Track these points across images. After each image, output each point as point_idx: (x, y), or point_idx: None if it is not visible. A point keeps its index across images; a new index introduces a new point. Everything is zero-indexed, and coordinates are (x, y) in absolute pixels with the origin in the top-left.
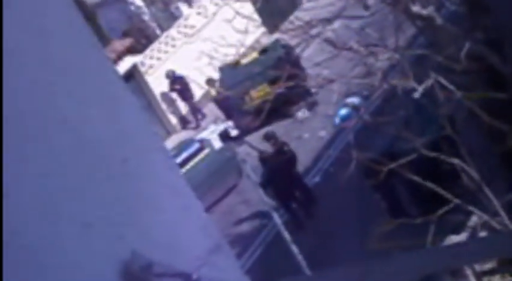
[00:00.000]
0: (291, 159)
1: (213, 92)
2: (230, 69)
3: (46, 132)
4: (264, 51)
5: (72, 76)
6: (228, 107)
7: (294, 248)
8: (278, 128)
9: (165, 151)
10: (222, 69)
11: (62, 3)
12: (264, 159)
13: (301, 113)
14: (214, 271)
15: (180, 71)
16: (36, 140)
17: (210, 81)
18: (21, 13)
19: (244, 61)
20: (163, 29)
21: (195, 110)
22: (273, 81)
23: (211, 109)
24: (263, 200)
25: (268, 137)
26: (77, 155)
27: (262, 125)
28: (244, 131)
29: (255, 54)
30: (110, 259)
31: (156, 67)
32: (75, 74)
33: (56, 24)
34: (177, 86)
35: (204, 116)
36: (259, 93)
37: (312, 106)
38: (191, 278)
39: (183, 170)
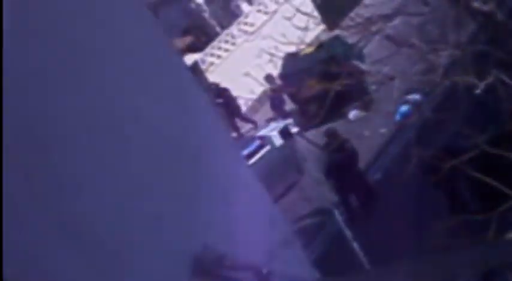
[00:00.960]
0: (352, 156)
1: (272, 88)
2: (291, 59)
3: (120, 128)
4: (320, 46)
5: (145, 73)
6: (282, 102)
7: (355, 245)
8: (339, 125)
9: (235, 146)
10: (284, 59)
11: (134, 3)
12: (327, 153)
13: (353, 114)
14: (284, 264)
15: (240, 69)
16: (110, 136)
17: (268, 78)
18: (97, 13)
19: (306, 51)
20: (223, 27)
21: (246, 120)
22: (326, 77)
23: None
24: (324, 197)
25: (329, 134)
26: (149, 150)
27: (319, 123)
28: (302, 127)
29: (311, 49)
30: (181, 252)
31: (216, 65)
32: (147, 71)
33: (129, 23)
34: (221, 100)
35: (256, 124)
36: (316, 84)
37: (367, 105)
38: (261, 273)
39: None
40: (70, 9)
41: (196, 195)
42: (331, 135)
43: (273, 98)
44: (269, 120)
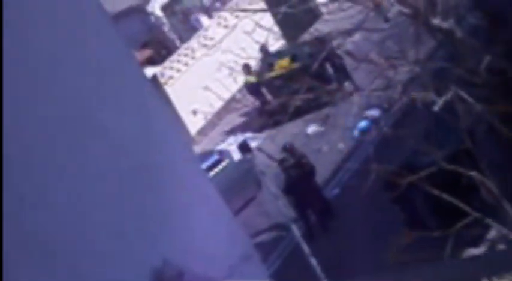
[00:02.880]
0: (310, 171)
1: (251, 78)
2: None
3: (82, 141)
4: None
5: (106, 86)
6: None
7: (313, 261)
8: (297, 139)
9: (196, 160)
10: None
11: (97, 15)
12: (284, 168)
13: (311, 129)
14: (243, 279)
15: (199, 82)
16: (70, 149)
17: (245, 67)
18: (58, 24)
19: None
20: (183, 40)
21: None
22: (293, 58)
23: (230, 120)
24: (282, 212)
25: (286, 149)
26: (111, 163)
27: (278, 124)
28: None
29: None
30: (142, 266)
31: (175, 78)
32: (110, 84)
33: (90, 35)
34: None
35: None
36: (281, 64)
37: (325, 120)
38: None
39: None
40: (32, 19)
41: (156, 209)
42: (289, 150)
43: (251, 87)
44: (228, 134)
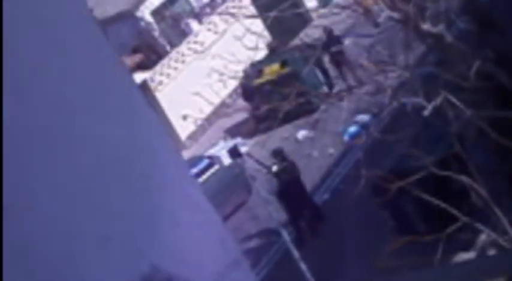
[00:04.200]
0: (298, 177)
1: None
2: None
3: (66, 148)
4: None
5: (93, 92)
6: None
7: (303, 266)
8: (287, 145)
9: (185, 166)
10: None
11: (83, 19)
12: (275, 174)
13: (301, 134)
14: None
15: (189, 88)
16: (56, 156)
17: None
18: (43, 29)
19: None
20: (173, 46)
21: None
22: (283, 63)
23: (220, 125)
24: (272, 217)
25: (276, 154)
26: (97, 170)
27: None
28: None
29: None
30: (129, 274)
31: (165, 83)
32: (96, 90)
33: (77, 40)
34: None
35: None
36: (271, 70)
37: (315, 125)
38: None
39: None
40: (17, 23)
41: (145, 215)
42: (278, 155)
43: (245, 87)
44: (218, 139)
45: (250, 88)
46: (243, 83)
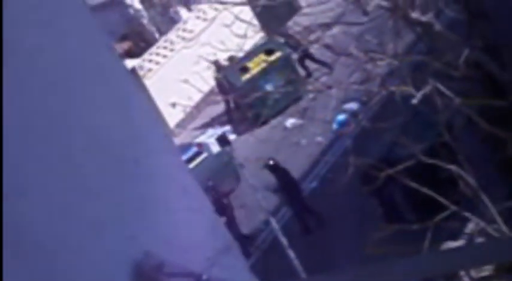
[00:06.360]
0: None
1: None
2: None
3: (59, 134)
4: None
5: (87, 78)
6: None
7: (291, 253)
8: (275, 133)
9: (176, 152)
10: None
11: (77, 7)
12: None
13: (290, 122)
14: (224, 271)
15: (178, 75)
16: (50, 140)
17: (231, 59)
18: (38, 17)
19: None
20: (162, 33)
21: None
22: (269, 52)
23: (208, 113)
24: (260, 205)
25: (269, 166)
26: (91, 155)
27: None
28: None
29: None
30: (121, 258)
31: (154, 71)
32: (89, 77)
33: (72, 28)
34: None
35: None
36: (256, 62)
37: (303, 113)
38: (201, 279)
39: None
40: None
41: (137, 201)
42: (272, 167)
43: (221, 84)
44: (207, 127)
45: (225, 83)
46: (217, 79)
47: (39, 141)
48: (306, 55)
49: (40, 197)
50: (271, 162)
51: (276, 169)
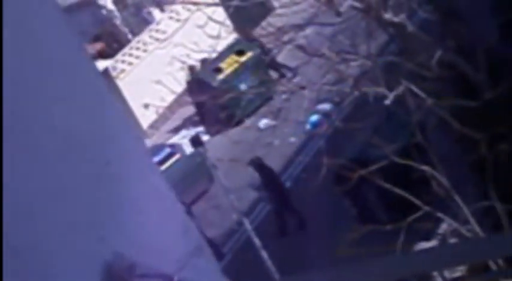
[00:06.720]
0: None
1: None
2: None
3: (31, 134)
4: (241, 52)
5: (58, 79)
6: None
7: (264, 254)
8: (249, 134)
9: (148, 154)
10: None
11: (48, 7)
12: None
13: (263, 123)
14: (195, 273)
15: (151, 76)
16: (21, 142)
17: (204, 61)
18: (8, 17)
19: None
20: (134, 34)
21: None
22: (240, 52)
23: (181, 114)
24: (233, 206)
25: (254, 163)
26: (61, 157)
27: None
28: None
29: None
30: (92, 259)
31: (127, 72)
32: (60, 77)
33: (42, 28)
34: None
35: None
36: (228, 63)
37: (277, 114)
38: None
39: None
40: None
41: (108, 202)
42: (256, 164)
43: (191, 86)
44: (180, 128)
45: (196, 84)
46: (189, 83)
47: (9, 143)
48: (271, 60)
49: (8, 198)
50: (256, 159)
51: (261, 167)
